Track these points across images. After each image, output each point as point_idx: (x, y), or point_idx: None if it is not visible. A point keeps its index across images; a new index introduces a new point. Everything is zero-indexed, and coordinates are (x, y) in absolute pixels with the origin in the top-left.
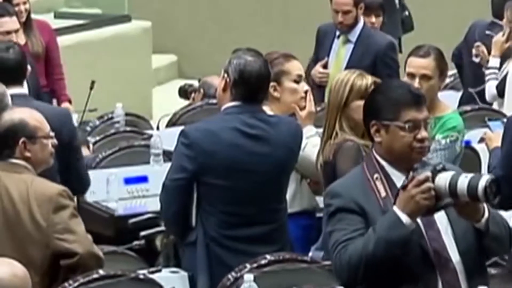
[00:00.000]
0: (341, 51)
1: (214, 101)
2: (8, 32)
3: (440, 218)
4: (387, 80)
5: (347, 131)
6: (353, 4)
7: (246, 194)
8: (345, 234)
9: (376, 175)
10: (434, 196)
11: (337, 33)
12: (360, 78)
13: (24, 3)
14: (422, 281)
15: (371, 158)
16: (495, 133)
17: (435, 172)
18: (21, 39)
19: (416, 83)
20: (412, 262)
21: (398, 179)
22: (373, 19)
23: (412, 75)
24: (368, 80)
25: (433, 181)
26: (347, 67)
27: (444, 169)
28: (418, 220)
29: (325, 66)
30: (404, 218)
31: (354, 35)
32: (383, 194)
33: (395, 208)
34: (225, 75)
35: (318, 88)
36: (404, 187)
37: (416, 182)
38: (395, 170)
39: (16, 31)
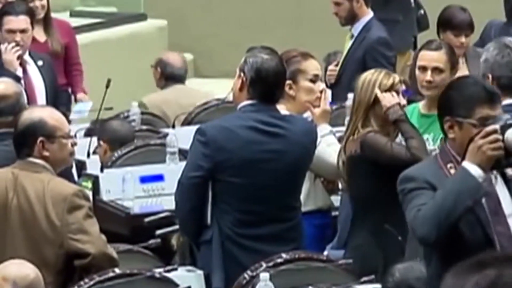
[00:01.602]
0: (346, 46)
1: (230, 99)
2: (12, 31)
3: (507, 204)
4: (462, 77)
5: (375, 128)
6: None
7: (261, 192)
8: (422, 200)
9: (450, 164)
10: (501, 148)
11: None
12: (387, 77)
13: None
14: None
15: (445, 150)
16: None
17: (506, 127)
18: (40, 36)
19: (428, 76)
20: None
21: None
22: (463, 39)
23: (424, 68)
24: (395, 78)
25: (503, 135)
26: (344, 61)
27: None
28: (486, 209)
29: (337, 65)
30: (473, 169)
31: (356, 30)
32: None
33: (464, 163)
34: (241, 74)
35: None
36: (471, 139)
37: (483, 133)
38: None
39: (22, 31)
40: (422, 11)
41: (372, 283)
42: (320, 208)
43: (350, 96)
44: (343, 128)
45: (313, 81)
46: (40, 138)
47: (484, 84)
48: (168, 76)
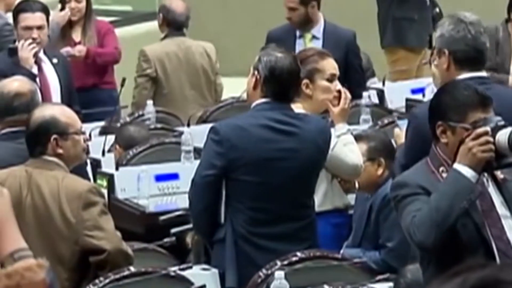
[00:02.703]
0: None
1: (245, 97)
2: (29, 28)
3: (500, 207)
4: (453, 81)
5: None
6: (299, 2)
7: (274, 190)
8: (416, 206)
9: (442, 168)
10: (492, 150)
11: (298, 33)
12: None
13: (78, 1)
14: None
15: (435, 154)
16: (402, 131)
17: (497, 128)
18: (76, 37)
19: None
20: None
21: None
22: None
23: None
24: None
25: (494, 137)
26: None
27: (505, 126)
28: (480, 211)
29: None
30: (464, 170)
31: (318, 31)
32: None
33: (455, 165)
34: (255, 73)
35: None
36: (462, 141)
37: (474, 135)
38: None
39: (39, 27)
40: (437, 10)
41: (387, 281)
42: (337, 208)
43: (365, 94)
44: (358, 127)
45: (330, 80)
46: (54, 136)
47: (476, 88)
48: (170, 22)
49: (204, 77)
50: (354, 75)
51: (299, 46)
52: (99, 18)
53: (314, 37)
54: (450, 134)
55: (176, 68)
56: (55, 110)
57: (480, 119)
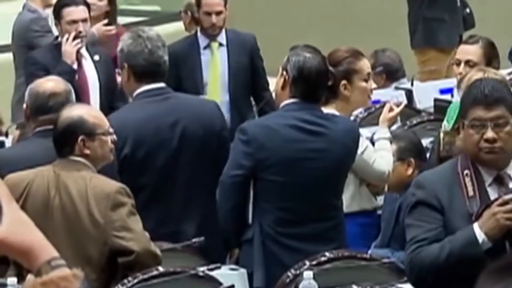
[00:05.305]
0: (215, 58)
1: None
2: (74, 21)
3: None
4: (476, 80)
5: None
6: (224, 4)
7: (302, 190)
8: (422, 232)
9: (466, 171)
10: None
11: (202, 44)
12: (493, 74)
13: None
14: None
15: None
16: None
17: None
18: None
19: (460, 68)
20: None
21: (488, 177)
22: None
23: (459, 62)
24: (502, 75)
25: None
26: (229, 71)
27: None
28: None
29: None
30: (481, 238)
31: (223, 38)
32: (471, 193)
33: (475, 225)
34: (284, 73)
35: None
36: (488, 205)
37: (501, 200)
38: (483, 169)
39: (84, 20)
40: (467, 10)
41: None
42: (365, 209)
43: (394, 94)
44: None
45: (366, 80)
46: (81, 137)
47: (485, 86)
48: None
49: None
50: (260, 79)
51: (206, 56)
52: (128, 18)
53: (220, 44)
54: (462, 131)
55: None
56: (82, 110)
57: (481, 118)
